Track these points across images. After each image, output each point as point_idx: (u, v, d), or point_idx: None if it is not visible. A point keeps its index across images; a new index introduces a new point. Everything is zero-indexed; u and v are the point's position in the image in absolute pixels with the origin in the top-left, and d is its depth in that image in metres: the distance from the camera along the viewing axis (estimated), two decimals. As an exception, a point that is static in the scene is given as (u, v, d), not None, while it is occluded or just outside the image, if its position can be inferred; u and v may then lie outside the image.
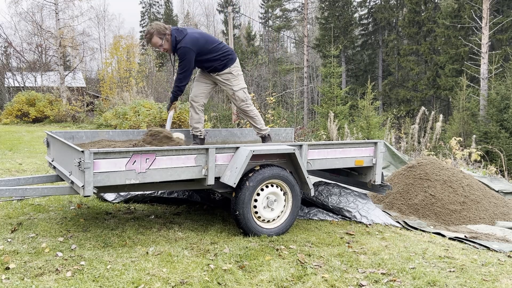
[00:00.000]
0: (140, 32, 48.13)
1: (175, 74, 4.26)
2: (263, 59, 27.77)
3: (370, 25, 32.28)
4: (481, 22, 15.84)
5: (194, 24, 49.89)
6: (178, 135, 4.22)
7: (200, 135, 4.48)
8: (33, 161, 7.33)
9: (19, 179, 3.91)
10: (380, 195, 5.14)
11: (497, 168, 7.73)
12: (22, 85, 25.26)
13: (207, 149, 3.36)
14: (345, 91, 16.42)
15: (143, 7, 48.04)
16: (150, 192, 4.57)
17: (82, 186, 2.92)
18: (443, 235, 4.06)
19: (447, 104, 24.95)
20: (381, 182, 4.30)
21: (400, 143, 9.71)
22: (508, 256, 3.57)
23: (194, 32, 4.18)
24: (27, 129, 15.55)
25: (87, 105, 21.17)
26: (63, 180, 3.81)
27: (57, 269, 2.75)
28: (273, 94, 16.17)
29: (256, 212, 3.64)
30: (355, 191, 4.59)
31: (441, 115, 9.46)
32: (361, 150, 4.18)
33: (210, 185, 3.43)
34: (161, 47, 4.11)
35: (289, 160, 3.83)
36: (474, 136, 9.47)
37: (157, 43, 4.08)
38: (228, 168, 3.48)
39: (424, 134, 9.50)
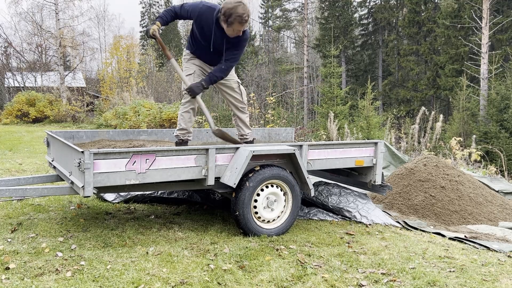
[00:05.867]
0: (140, 32, 48.14)
1: (226, 61, 3.85)
2: (263, 59, 27.80)
3: (370, 25, 32.26)
4: (481, 22, 15.84)
5: (194, 24, 49.79)
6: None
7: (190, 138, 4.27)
8: (33, 161, 7.33)
9: (19, 179, 3.91)
10: (380, 195, 5.14)
11: (497, 168, 7.73)
12: (22, 85, 25.29)
13: (207, 150, 3.35)
14: (345, 91, 16.40)
15: (143, 7, 48.07)
16: (150, 192, 4.57)
17: (82, 186, 2.92)
18: (443, 235, 4.06)
19: (447, 104, 24.95)
20: (382, 182, 4.30)
21: (400, 143, 9.71)
22: (508, 256, 3.57)
23: None
24: (27, 129, 15.56)
25: (87, 105, 21.20)
26: (63, 180, 3.81)
27: (57, 269, 2.75)
28: (273, 94, 16.17)
29: (256, 213, 3.64)
30: (355, 191, 4.59)
31: (441, 115, 9.46)
32: (361, 150, 4.18)
33: (210, 185, 3.43)
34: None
35: (289, 161, 3.83)
36: (474, 136, 9.47)
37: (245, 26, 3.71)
38: (228, 168, 3.48)
39: (424, 134, 9.50)
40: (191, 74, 4.06)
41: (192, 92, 3.86)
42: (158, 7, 48.07)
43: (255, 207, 3.62)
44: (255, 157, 3.56)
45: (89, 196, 2.95)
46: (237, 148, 3.54)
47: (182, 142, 4.19)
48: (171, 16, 3.88)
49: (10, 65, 27.82)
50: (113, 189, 3.42)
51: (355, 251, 3.40)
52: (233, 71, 4.18)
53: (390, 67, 29.59)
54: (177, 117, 12.91)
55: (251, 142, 4.41)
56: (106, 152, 2.97)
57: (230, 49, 3.85)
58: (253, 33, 39.26)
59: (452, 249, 3.64)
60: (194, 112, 4.15)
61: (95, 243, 3.30)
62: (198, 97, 3.97)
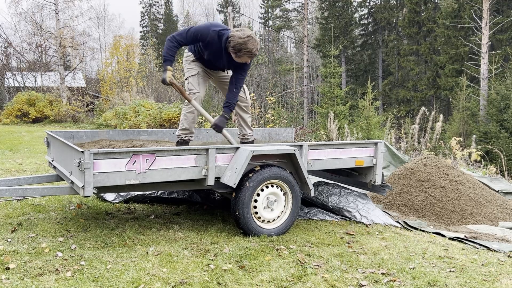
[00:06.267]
0: (140, 32, 48.20)
1: (236, 85, 3.93)
2: (263, 59, 27.74)
3: (370, 25, 32.26)
4: (481, 22, 15.84)
5: (194, 23, 49.88)
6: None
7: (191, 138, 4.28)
8: (33, 161, 7.33)
9: (19, 179, 3.91)
10: (380, 195, 5.14)
11: (497, 168, 7.73)
12: (22, 85, 25.29)
13: (207, 150, 3.35)
14: (345, 91, 16.40)
15: (143, 7, 48.07)
16: (150, 192, 4.57)
17: (82, 186, 2.92)
18: (443, 235, 4.06)
19: (447, 104, 24.95)
20: (382, 183, 4.30)
21: (400, 143, 9.71)
22: (508, 256, 3.57)
23: None
24: (27, 129, 15.57)
25: (87, 105, 21.22)
26: (63, 180, 3.81)
27: (57, 269, 2.76)
28: (273, 94, 16.16)
29: (256, 213, 3.64)
30: (355, 191, 4.59)
31: (441, 115, 9.46)
32: (361, 150, 4.18)
33: (210, 185, 3.43)
34: None
35: (289, 161, 3.83)
36: (474, 136, 9.47)
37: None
38: (228, 168, 3.48)
39: (424, 134, 9.50)
40: (195, 75, 4.08)
41: (218, 128, 3.95)
42: (158, 7, 48.10)
43: (255, 207, 3.62)
44: (255, 157, 3.56)
45: (89, 196, 2.96)
46: (237, 148, 3.55)
47: (183, 142, 4.19)
48: (175, 52, 3.88)
49: (10, 65, 27.83)
50: (113, 189, 3.43)
51: (355, 251, 3.40)
52: None
53: (390, 67, 29.58)
54: (177, 117, 12.95)
55: (252, 142, 4.42)
56: (106, 152, 2.97)
57: (237, 71, 3.96)
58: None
59: (452, 249, 3.64)
60: (198, 113, 4.14)
61: (95, 243, 3.30)
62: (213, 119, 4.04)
